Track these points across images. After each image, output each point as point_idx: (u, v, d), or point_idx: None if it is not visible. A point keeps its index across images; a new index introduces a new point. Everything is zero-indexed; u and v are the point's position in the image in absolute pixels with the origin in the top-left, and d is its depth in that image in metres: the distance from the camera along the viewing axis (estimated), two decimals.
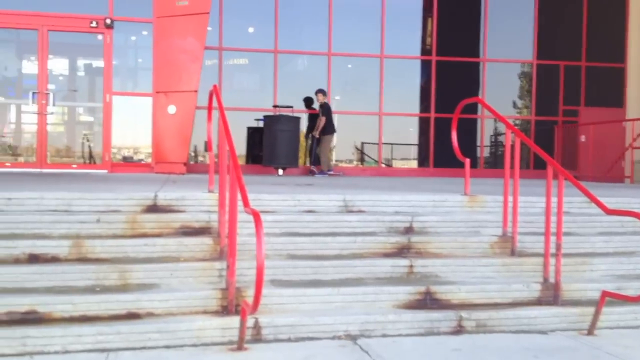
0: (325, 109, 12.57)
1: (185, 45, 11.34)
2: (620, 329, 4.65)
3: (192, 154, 13.27)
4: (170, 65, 11.41)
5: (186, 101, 11.30)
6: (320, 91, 12.77)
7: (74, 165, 12.20)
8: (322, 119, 12.44)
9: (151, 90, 11.90)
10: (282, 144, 12.02)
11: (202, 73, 11.50)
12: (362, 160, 14.69)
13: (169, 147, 11.49)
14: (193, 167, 12.55)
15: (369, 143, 14.47)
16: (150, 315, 4.18)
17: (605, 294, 4.49)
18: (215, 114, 5.45)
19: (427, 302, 4.66)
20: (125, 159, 12.79)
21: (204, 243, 4.87)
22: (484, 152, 14.83)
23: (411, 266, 4.97)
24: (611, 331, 4.58)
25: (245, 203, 4.00)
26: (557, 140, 14.32)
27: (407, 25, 14.78)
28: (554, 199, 4.87)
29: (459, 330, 4.46)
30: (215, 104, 5.43)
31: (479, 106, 13.96)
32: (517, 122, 14.91)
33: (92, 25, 11.90)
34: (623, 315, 4.74)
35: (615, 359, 3.95)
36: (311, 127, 13.07)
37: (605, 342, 4.32)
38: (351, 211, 5.71)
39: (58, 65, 12.86)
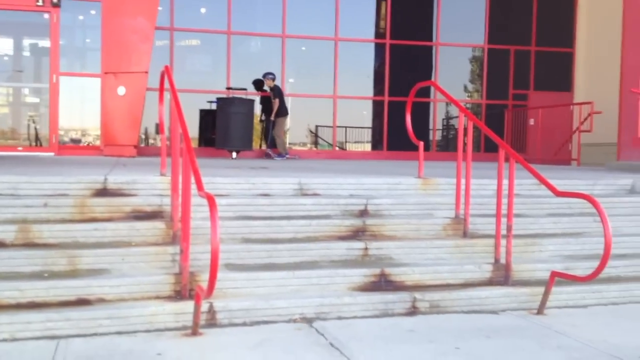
0: (277, 91, 12.46)
1: (135, 25, 11.08)
2: (569, 308, 4.77)
3: (143, 136, 13.02)
4: (120, 45, 11.15)
5: (136, 82, 11.06)
6: (268, 75, 12.52)
7: (20, 148, 11.85)
8: (275, 101, 12.34)
9: (100, 71, 11.60)
10: (236, 127, 11.89)
11: (152, 54, 11.28)
12: (316, 143, 14.68)
13: (119, 129, 11.24)
14: (144, 149, 12.31)
15: (324, 126, 14.46)
16: (101, 301, 4.09)
17: (554, 274, 4.59)
18: (167, 95, 5.34)
19: (382, 284, 4.69)
20: (73, 141, 12.47)
21: (157, 227, 4.78)
22: (436, 135, 15.00)
23: (366, 249, 4.99)
24: (560, 310, 4.70)
25: (199, 187, 3.92)
26: (507, 123, 14.57)
27: (361, 8, 14.77)
28: (505, 181, 4.95)
29: (413, 311, 4.51)
30: (167, 85, 5.31)
31: (432, 90, 14.09)
32: (469, 105, 15.11)
33: (38, 3, 11.51)
34: (571, 294, 4.87)
35: (564, 337, 4.05)
36: (265, 109, 12.98)
37: (554, 321, 4.42)
38: (306, 194, 5.68)
39: (3, 44, 12.43)
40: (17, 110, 12.90)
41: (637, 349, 3.85)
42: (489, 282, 4.91)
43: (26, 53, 13.03)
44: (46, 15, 11.67)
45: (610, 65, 12.23)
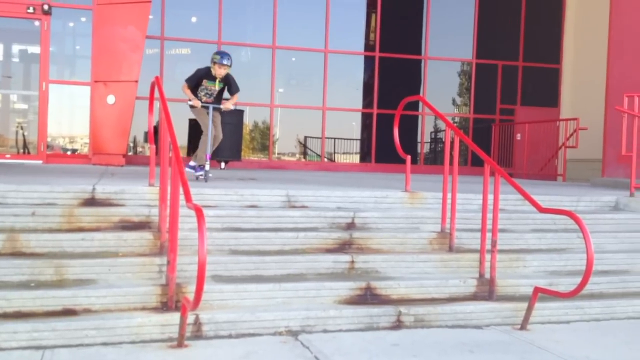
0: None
1: (125, 33, 11.10)
2: (552, 324, 4.82)
3: (132, 145, 13.01)
4: (110, 54, 11.14)
5: (126, 91, 11.06)
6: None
7: (8, 155, 11.78)
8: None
9: (90, 79, 11.59)
10: (225, 137, 11.88)
11: (143, 63, 11.28)
12: (305, 154, 14.72)
13: (108, 137, 11.22)
14: (132, 158, 12.31)
15: (312, 137, 14.51)
16: (87, 311, 4.09)
17: (537, 289, 4.64)
18: (157, 104, 5.37)
19: (368, 297, 4.72)
20: (61, 149, 12.43)
21: (144, 238, 4.79)
22: (424, 148, 15.08)
23: (352, 262, 5.03)
24: (543, 326, 4.75)
25: (188, 198, 3.94)
26: (494, 138, 14.70)
27: (351, 21, 14.87)
28: (490, 197, 5.01)
29: (398, 325, 4.54)
30: (157, 94, 5.34)
31: (420, 103, 14.18)
32: (457, 119, 15.22)
33: (28, 10, 11.50)
34: (554, 310, 4.92)
35: (546, 353, 4.10)
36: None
37: (537, 336, 4.47)
38: (294, 206, 5.72)
39: None
40: (5, 117, 12.83)
41: None
42: (474, 297, 4.96)
43: (16, 59, 12.99)
44: (37, 23, 11.66)
45: (596, 82, 12.41)
